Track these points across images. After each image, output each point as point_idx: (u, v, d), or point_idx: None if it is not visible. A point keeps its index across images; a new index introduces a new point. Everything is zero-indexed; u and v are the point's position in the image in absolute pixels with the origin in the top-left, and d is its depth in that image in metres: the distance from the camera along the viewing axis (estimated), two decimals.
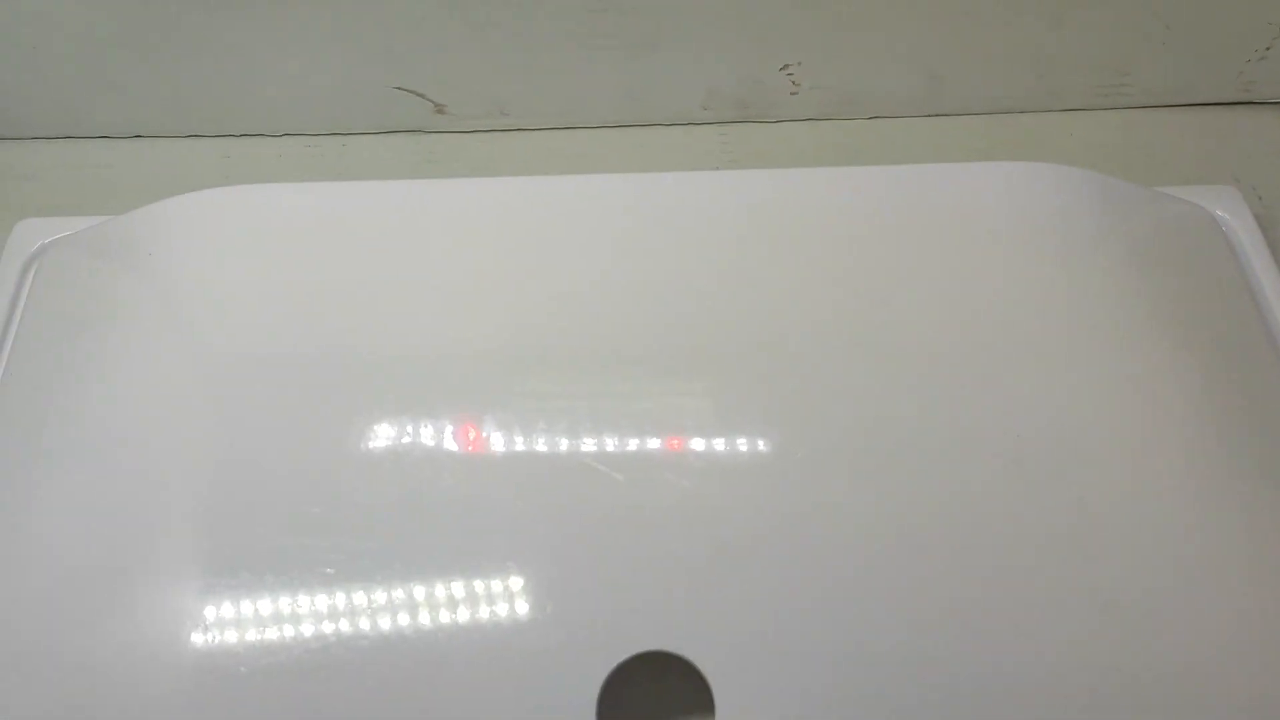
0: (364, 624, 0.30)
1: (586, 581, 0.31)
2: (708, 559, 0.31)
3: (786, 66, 0.49)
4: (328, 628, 0.30)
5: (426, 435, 0.33)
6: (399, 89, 0.48)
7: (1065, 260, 0.38)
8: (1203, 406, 0.35)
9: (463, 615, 0.31)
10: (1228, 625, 0.32)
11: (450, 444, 0.33)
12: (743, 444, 0.33)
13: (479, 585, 0.31)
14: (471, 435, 0.33)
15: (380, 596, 0.31)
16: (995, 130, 0.52)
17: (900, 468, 0.33)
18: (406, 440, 0.33)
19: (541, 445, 0.33)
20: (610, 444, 0.33)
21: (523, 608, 0.31)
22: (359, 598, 0.31)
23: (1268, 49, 0.50)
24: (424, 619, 0.30)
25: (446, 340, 0.36)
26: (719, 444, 0.33)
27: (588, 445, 0.33)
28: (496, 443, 0.33)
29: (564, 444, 0.33)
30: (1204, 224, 0.42)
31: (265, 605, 0.30)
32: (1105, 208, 0.39)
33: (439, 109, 0.49)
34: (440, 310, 0.37)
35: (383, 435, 0.33)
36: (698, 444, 0.33)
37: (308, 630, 0.31)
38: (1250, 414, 0.36)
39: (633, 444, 0.33)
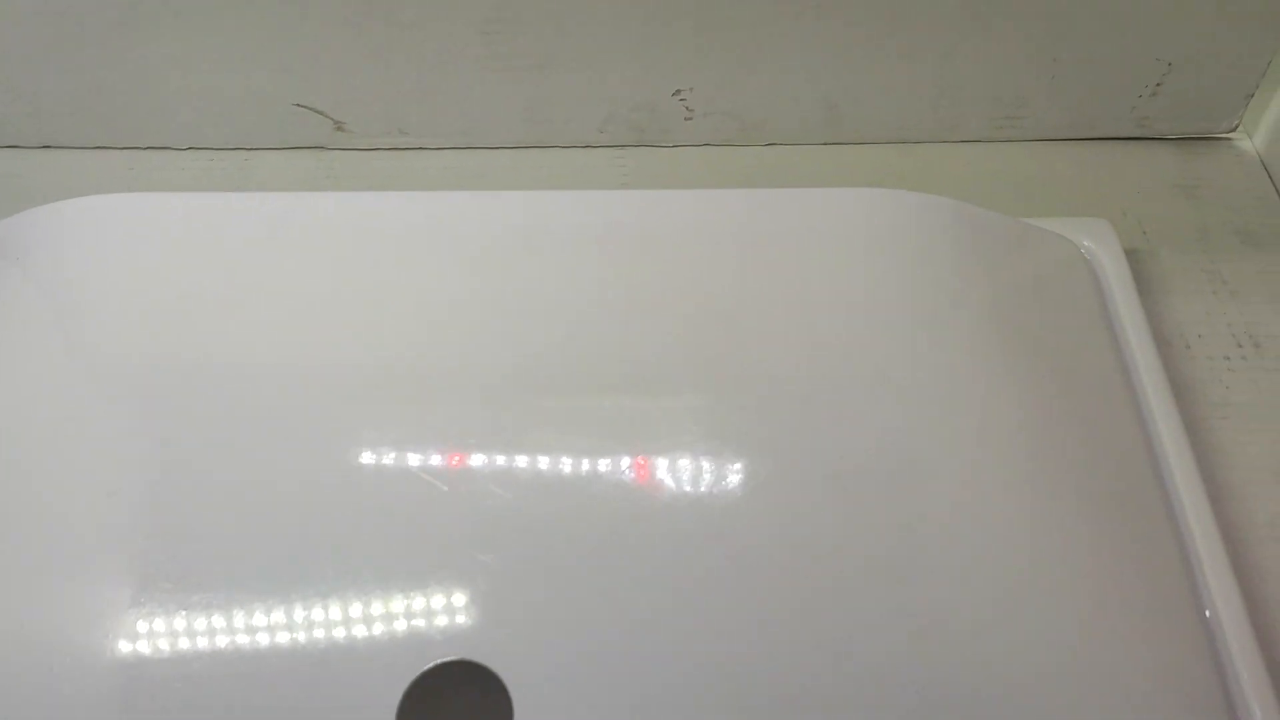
0: (163, 626, 0.31)
1: (396, 589, 0.32)
2: (522, 570, 0.32)
3: (679, 92, 0.50)
4: (141, 627, 0.31)
5: (267, 442, 0.34)
6: (299, 106, 0.49)
7: (916, 285, 0.38)
8: (1040, 434, 0.36)
9: (268, 619, 0.31)
10: (1050, 649, 0.33)
11: (288, 451, 0.34)
12: (570, 459, 0.34)
13: (291, 591, 0.32)
14: (311, 444, 0.34)
15: (194, 599, 0.32)
16: (891, 160, 0.53)
17: (724, 486, 0.34)
18: (248, 446, 0.34)
19: (375, 455, 0.34)
20: (440, 456, 0.34)
21: (333, 612, 0.31)
22: (167, 601, 0.32)
23: (1159, 85, 0.51)
24: (232, 624, 0.31)
25: (303, 352, 0.37)
26: (545, 458, 0.34)
27: (421, 457, 0.34)
28: (332, 451, 0.34)
29: (398, 455, 0.34)
30: (1067, 255, 0.43)
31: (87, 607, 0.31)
32: (960, 234, 0.40)
33: (339, 126, 0.50)
34: (304, 322, 0.38)
35: (225, 441, 0.34)
36: (526, 458, 0.34)
37: (124, 643, 0.31)
38: (1089, 444, 0.37)
39: (463, 457, 0.34)
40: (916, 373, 0.36)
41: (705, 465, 0.34)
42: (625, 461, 0.34)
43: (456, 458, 0.34)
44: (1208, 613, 0.35)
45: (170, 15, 0.46)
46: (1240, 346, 0.45)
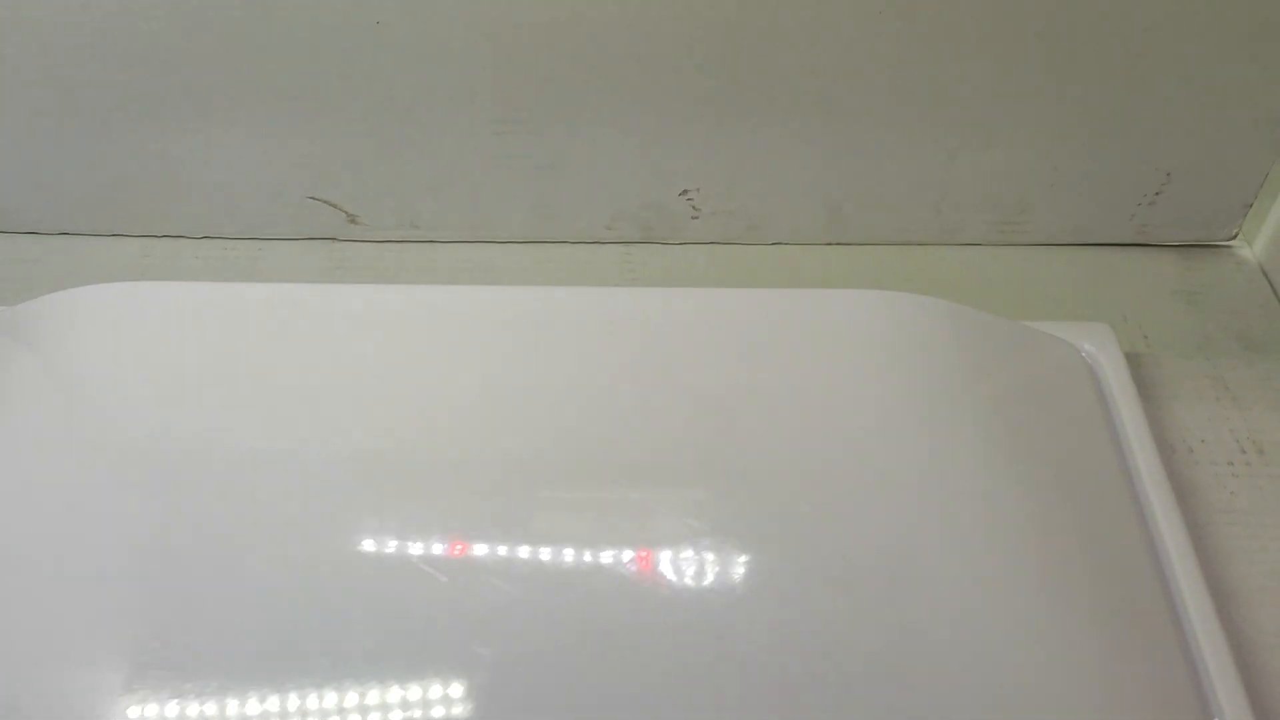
0: (156, 713, 0.31)
1: (392, 680, 0.32)
2: (520, 664, 0.32)
3: (686, 192, 0.51)
4: (133, 714, 0.31)
5: (267, 529, 0.34)
6: (313, 199, 0.50)
7: (915, 387, 0.39)
8: (1043, 539, 0.36)
9: (260, 708, 0.31)
10: None
11: (287, 539, 0.34)
12: (571, 552, 0.34)
13: (285, 681, 0.32)
14: (310, 533, 0.34)
15: (187, 686, 0.31)
16: (893, 261, 0.54)
17: (725, 582, 0.33)
18: (249, 533, 0.34)
19: (375, 545, 0.34)
20: (441, 546, 0.34)
21: (328, 702, 0.31)
22: (161, 688, 0.31)
23: (1158, 194, 0.52)
24: (224, 713, 0.31)
25: (306, 440, 0.37)
26: (546, 550, 0.34)
27: (421, 547, 0.34)
28: (330, 539, 0.34)
29: (398, 545, 0.34)
30: (1068, 359, 0.43)
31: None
32: (959, 336, 0.41)
33: (352, 219, 0.51)
34: (308, 411, 0.38)
35: (225, 527, 0.34)
36: (527, 549, 0.34)
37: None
38: (1093, 549, 0.37)
39: (464, 547, 0.34)
40: (917, 473, 0.36)
41: (706, 560, 0.34)
42: (627, 555, 0.34)
43: (457, 547, 0.33)
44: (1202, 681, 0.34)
45: (191, 109, 0.47)
46: (1244, 452, 0.45)
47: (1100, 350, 0.45)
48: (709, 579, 0.34)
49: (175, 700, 0.31)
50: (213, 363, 0.39)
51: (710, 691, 0.31)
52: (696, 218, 0.52)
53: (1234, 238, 0.54)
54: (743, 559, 0.34)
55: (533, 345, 0.40)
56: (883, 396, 0.38)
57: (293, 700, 0.31)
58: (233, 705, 0.31)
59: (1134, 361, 0.46)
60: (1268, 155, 0.50)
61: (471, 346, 0.41)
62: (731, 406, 0.37)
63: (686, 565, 0.34)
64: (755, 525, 0.35)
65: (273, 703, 0.31)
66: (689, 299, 0.40)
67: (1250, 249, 0.54)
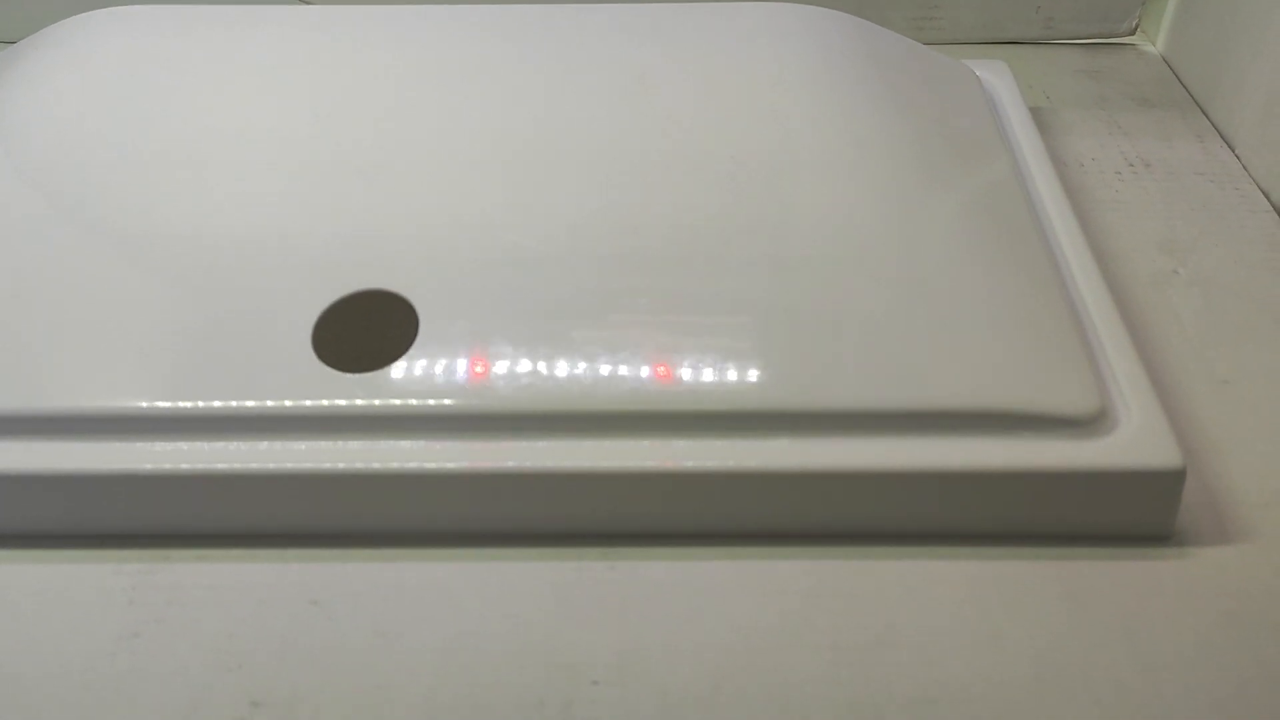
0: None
1: (309, 224, 0.37)
2: (433, 208, 0.37)
3: None
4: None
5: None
6: None
7: (808, 68, 0.43)
8: (908, 155, 0.40)
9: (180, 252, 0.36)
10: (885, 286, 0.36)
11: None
12: (511, 137, 0.39)
13: (208, 220, 0.37)
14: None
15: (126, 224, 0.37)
16: None
17: (627, 171, 0.38)
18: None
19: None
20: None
21: (249, 245, 0.36)
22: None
23: None
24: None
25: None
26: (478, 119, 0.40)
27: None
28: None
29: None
30: (966, 78, 0.48)
31: None
32: (864, 43, 0.45)
33: None
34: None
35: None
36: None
37: None
38: (971, 202, 0.41)
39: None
40: (804, 121, 0.41)
41: (613, 158, 0.39)
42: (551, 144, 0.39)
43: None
44: (1077, 307, 0.37)
45: None
46: (1131, 165, 0.49)
47: (996, 78, 0.50)
48: (606, 163, 0.39)
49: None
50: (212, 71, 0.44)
51: (590, 218, 0.36)
52: None
53: (1134, 32, 0.59)
54: (642, 154, 0.39)
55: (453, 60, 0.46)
56: (783, 81, 0.43)
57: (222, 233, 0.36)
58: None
59: (1034, 112, 0.50)
60: None
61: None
62: (650, 93, 0.42)
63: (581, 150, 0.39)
64: (653, 132, 0.40)
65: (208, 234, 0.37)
66: (620, 12, 0.46)
67: (1152, 44, 0.59)
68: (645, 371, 0.33)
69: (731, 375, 0.33)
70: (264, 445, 0.32)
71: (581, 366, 0.33)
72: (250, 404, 0.33)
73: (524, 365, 0.33)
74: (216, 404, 0.33)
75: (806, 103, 0.42)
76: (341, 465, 0.32)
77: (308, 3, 0.56)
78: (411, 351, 0.34)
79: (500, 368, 0.33)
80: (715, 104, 0.41)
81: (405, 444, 0.32)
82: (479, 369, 0.33)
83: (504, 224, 0.37)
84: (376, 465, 0.32)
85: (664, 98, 0.42)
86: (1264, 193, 0.47)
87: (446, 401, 0.33)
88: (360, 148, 0.40)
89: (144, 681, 0.29)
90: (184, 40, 0.46)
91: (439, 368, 0.33)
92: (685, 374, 0.33)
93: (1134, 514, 0.32)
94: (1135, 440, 0.32)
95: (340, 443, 0.33)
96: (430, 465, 0.32)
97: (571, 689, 0.29)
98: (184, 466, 0.32)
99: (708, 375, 0.33)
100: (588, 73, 0.43)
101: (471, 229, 0.37)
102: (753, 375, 0.33)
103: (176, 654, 0.30)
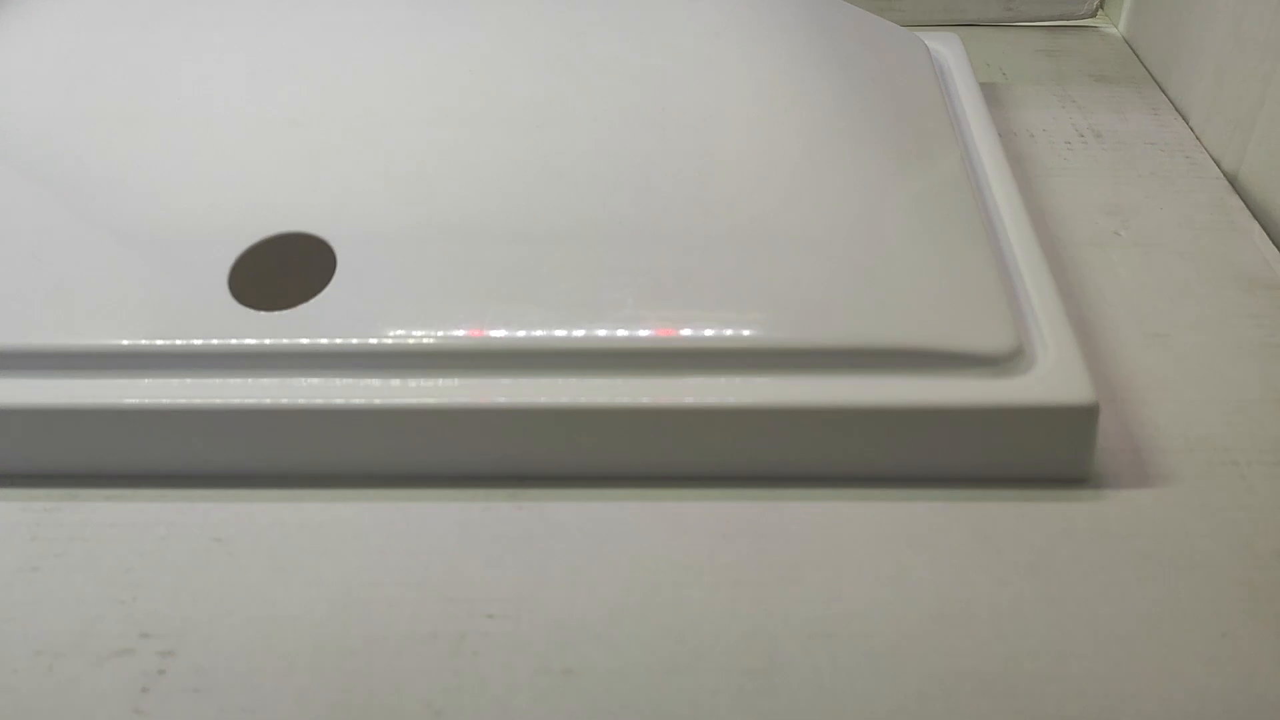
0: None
1: (235, 171, 0.37)
2: (349, 150, 0.37)
3: None
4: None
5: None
6: None
7: (754, 27, 0.43)
8: (845, 111, 0.40)
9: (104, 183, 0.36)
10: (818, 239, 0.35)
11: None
12: (438, 89, 0.40)
13: (138, 158, 0.37)
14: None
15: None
16: None
17: (556, 122, 0.38)
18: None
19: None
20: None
21: (171, 183, 0.36)
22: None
23: None
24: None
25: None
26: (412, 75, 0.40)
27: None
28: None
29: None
30: (914, 47, 0.48)
31: None
32: (803, 4, 0.45)
33: None
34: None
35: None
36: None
37: None
38: (886, 133, 0.40)
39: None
40: (744, 90, 0.41)
41: (543, 108, 0.39)
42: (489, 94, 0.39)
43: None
44: (1004, 253, 0.37)
45: None
46: (1082, 136, 0.49)
47: (947, 50, 0.49)
48: (537, 112, 0.39)
49: None
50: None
51: (513, 166, 0.36)
52: None
53: (1095, 14, 0.59)
54: (570, 103, 0.39)
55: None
56: (724, 44, 0.43)
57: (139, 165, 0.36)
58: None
59: (987, 88, 0.50)
60: None
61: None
62: (585, 49, 0.42)
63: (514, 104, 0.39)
64: (585, 86, 0.39)
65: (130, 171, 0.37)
66: None
67: (1114, 26, 0.59)
68: (557, 309, 0.33)
69: (642, 312, 0.33)
70: (175, 382, 0.32)
71: (494, 304, 0.33)
72: (161, 342, 0.33)
73: (436, 304, 0.33)
74: (129, 342, 0.33)
75: (741, 57, 0.42)
76: (251, 400, 0.32)
77: None
78: (326, 291, 0.34)
79: (413, 307, 0.33)
80: (649, 59, 0.41)
81: (316, 381, 0.32)
82: (392, 308, 0.33)
83: (428, 172, 0.37)
84: (286, 401, 0.32)
85: (599, 53, 0.42)
86: (1214, 160, 0.47)
87: (357, 340, 0.32)
88: (294, 101, 0.40)
89: (36, 612, 0.29)
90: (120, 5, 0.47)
91: (353, 306, 0.33)
92: (596, 311, 0.33)
93: (1049, 453, 0.31)
94: (1049, 377, 0.31)
95: (251, 380, 0.32)
96: (339, 401, 0.32)
97: (466, 622, 0.29)
98: (94, 401, 0.32)
99: (618, 312, 0.33)
100: (524, 30, 0.43)
101: (396, 177, 0.37)
102: (664, 311, 0.33)
103: (71, 586, 0.30)
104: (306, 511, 0.32)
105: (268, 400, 0.32)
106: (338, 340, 0.33)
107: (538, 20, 0.44)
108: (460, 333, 0.33)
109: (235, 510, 0.32)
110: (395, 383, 0.32)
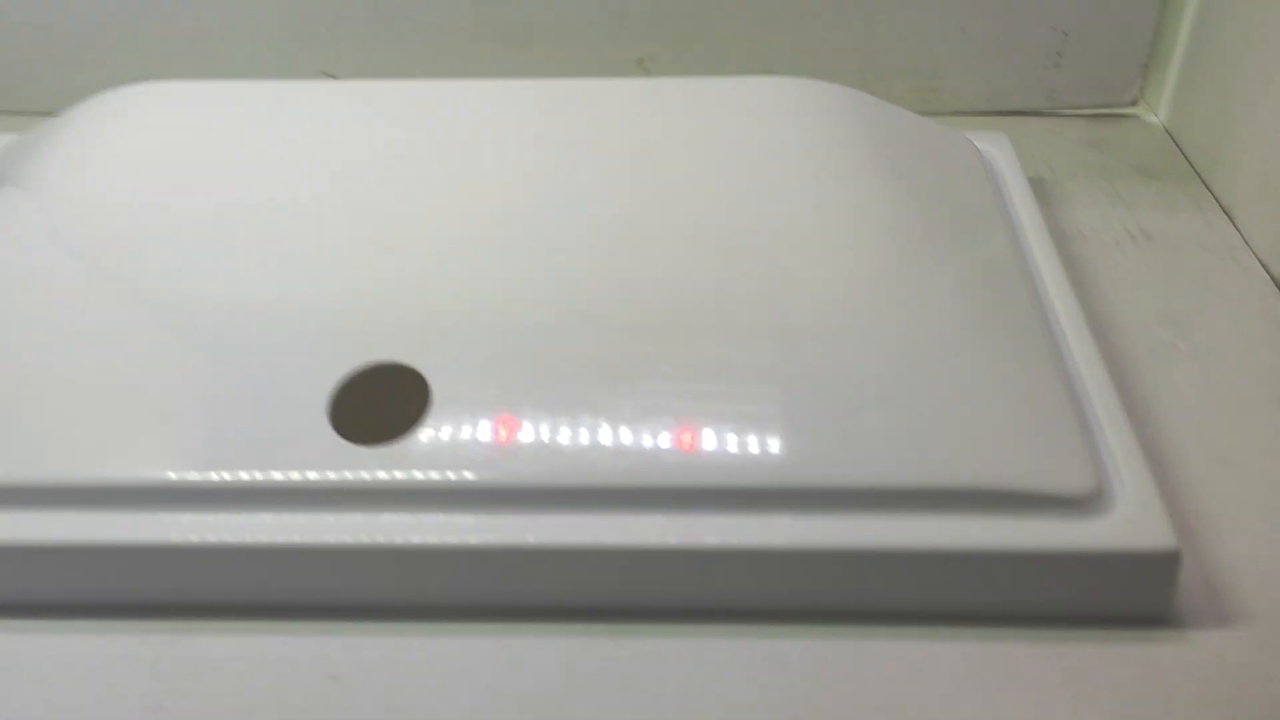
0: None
1: (326, 297, 0.38)
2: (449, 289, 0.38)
3: (642, 60, 0.58)
4: None
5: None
6: (324, 73, 0.58)
7: (811, 140, 0.45)
8: (906, 228, 0.41)
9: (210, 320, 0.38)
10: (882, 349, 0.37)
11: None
12: (521, 210, 0.41)
13: (236, 287, 0.38)
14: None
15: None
16: None
17: (632, 244, 0.40)
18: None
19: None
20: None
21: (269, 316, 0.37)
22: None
23: (1060, 54, 0.58)
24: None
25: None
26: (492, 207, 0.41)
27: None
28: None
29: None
30: (965, 149, 0.49)
31: None
32: (865, 115, 0.47)
33: None
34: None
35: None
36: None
37: None
38: (970, 264, 0.42)
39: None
40: (800, 190, 0.42)
41: (622, 233, 0.40)
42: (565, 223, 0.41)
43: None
44: (1074, 385, 0.38)
45: None
46: (1132, 237, 0.50)
47: (997, 150, 0.51)
48: (615, 238, 0.40)
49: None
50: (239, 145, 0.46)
51: (599, 279, 0.38)
52: None
53: (1136, 103, 0.60)
54: (649, 229, 0.40)
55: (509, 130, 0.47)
56: (785, 151, 0.44)
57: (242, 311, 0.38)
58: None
59: (1036, 184, 0.51)
60: (1151, 9, 0.56)
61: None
62: (654, 167, 0.44)
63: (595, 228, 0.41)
64: (662, 210, 0.41)
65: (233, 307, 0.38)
66: (621, 89, 0.47)
67: (1155, 115, 0.60)
68: (648, 446, 0.34)
69: (732, 451, 0.34)
70: (283, 518, 0.33)
71: (586, 441, 0.34)
72: (270, 476, 0.34)
73: (533, 439, 0.34)
74: (238, 476, 0.34)
75: (805, 176, 0.43)
76: (355, 539, 0.33)
77: (331, 77, 0.57)
78: (423, 424, 0.35)
79: (510, 442, 0.34)
80: (716, 177, 0.43)
81: (418, 518, 0.33)
82: (490, 442, 0.34)
83: (511, 297, 0.39)
84: (384, 539, 0.33)
85: (667, 171, 0.43)
86: (1263, 265, 0.48)
87: (458, 475, 0.34)
88: (376, 221, 0.42)
89: None
90: (213, 114, 0.48)
91: (450, 441, 0.34)
92: (687, 449, 0.34)
93: (1130, 595, 0.33)
94: (1130, 521, 0.33)
95: (355, 516, 0.34)
96: (440, 540, 0.33)
97: None
98: (204, 539, 0.33)
99: (709, 450, 0.34)
100: (593, 147, 0.45)
101: (480, 301, 0.39)
102: (752, 451, 0.34)
103: None
104: (413, 646, 0.33)
105: (370, 538, 0.33)
106: (436, 476, 0.34)
107: (606, 138, 0.45)
108: (555, 470, 0.34)
109: (345, 644, 0.33)
110: (496, 520, 0.33)
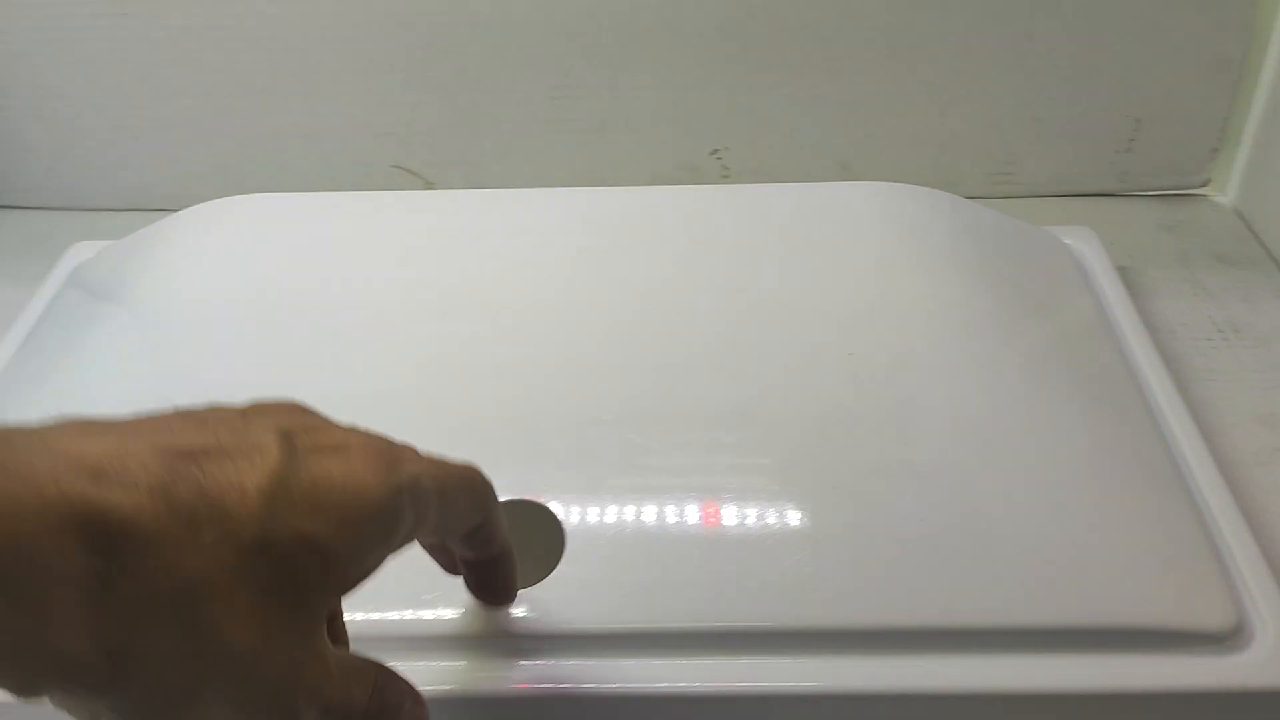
0: None
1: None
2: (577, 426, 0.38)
3: (716, 151, 0.58)
4: None
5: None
6: (396, 167, 0.59)
7: (914, 251, 0.45)
8: (1020, 349, 0.42)
9: None
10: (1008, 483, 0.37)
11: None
12: (647, 338, 0.42)
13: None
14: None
15: None
16: None
17: (760, 369, 0.40)
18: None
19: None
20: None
21: None
22: None
23: (1132, 140, 0.59)
24: None
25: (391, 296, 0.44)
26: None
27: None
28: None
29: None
30: (1057, 248, 0.49)
31: None
32: (952, 218, 0.47)
33: (429, 185, 0.59)
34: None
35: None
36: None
37: None
38: (1081, 384, 0.42)
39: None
40: (913, 304, 0.42)
41: (749, 360, 0.40)
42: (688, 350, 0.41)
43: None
44: (1203, 512, 0.38)
45: (301, 88, 0.56)
46: (1221, 331, 0.51)
47: (1085, 245, 0.51)
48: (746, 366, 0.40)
49: None
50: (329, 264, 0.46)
51: (740, 430, 0.38)
52: (727, 176, 0.59)
53: (1206, 184, 0.61)
54: (769, 357, 0.40)
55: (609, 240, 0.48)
56: (889, 258, 0.45)
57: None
58: None
59: (1121, 274, 0.52)
60: (1223, 98, 0.57)
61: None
62: (769, 273, 0.44)
63: (722, 354, 0.41)
64: (784, 340, 0.41)
65: None
66: (721, 193, 0.48)
67: (1224, 196, 0.61)
68: (825, 592, 0.34)
69: (869, 591, 0.34)
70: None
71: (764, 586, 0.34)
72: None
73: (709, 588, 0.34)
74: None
75: (921, 293, 0.43)
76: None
77: (432, 188, 0.58)
78: (558, 572, 0.35)
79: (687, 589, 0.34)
80: (827, 294, 0.43)
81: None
82: (632, 589, 0.34)
83: (635, 421, 0.39)
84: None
85: (785, 286, 0.43)
86: None
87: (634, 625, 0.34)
88: (483, 338, 0.42)
89: None
90: (317, 225, 0.48)
91: (585, 586, 0.34)
92: (825, 590, 0.34)
93: None
94: (1273, 657, 0.33)
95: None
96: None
97: None
98: None
99: (850, 591, 0.34)
100: (698, 258, 0.45)
101: (604, 427, 0.39)
102: (892, 591, 0.34)
103: None
104: None
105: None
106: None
107: (714, 257, 0.45)
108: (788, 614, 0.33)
109: None
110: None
